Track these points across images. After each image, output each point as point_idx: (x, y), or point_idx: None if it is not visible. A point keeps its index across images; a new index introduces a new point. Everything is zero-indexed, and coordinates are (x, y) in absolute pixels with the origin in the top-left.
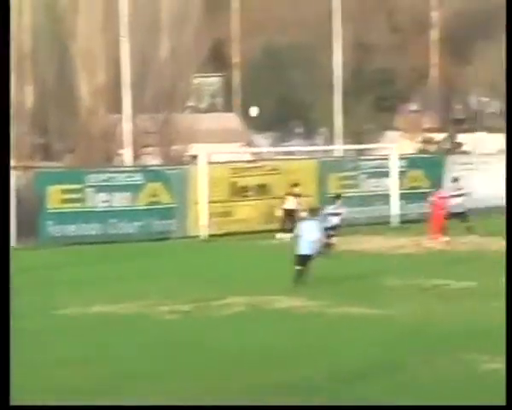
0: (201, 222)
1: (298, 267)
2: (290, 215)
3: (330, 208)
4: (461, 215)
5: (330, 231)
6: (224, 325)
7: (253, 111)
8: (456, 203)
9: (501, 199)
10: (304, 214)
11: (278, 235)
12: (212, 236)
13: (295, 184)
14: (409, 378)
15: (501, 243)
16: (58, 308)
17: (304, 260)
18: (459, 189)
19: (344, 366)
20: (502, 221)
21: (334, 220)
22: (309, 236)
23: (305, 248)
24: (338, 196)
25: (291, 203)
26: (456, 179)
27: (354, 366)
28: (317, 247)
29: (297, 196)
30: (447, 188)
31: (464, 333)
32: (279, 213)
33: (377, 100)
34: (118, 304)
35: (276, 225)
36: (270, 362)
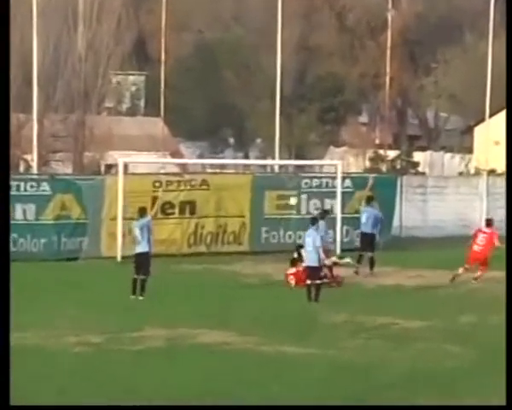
0: (117, 241)
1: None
2: None
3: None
4: None
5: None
6: (139, 360)
7: (293, 200)
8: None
9: (458, 227)
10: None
11: None
12: (128, 257)
13: None
14: None
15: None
16: None
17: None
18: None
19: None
20: (453, 252)
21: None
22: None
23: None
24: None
25: None
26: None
27: None
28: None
29: None
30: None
31: None
32: None
33: (323, 110)
34: (17, 333)
35: (203, 248)
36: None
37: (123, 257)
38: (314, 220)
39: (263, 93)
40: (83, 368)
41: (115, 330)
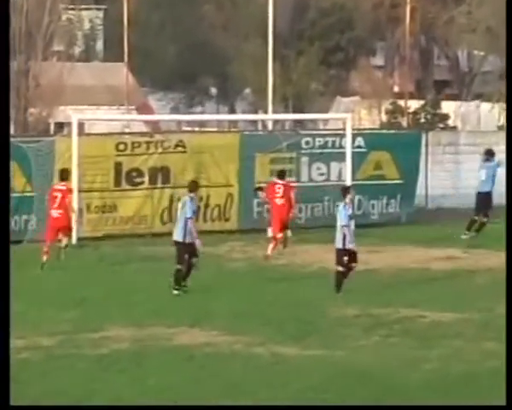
0: (72, 219)
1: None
2: None
3: None
4: None
5: None
6: (100, 368)
7: None
8: None
9: (499, 195)
10: None
11: None
12: (86, 239)
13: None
14: None
15: None
16: None
17: None
18: None
19: None
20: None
21: None
22: None
23: None
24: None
25: None
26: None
27: None
28: None
29: None
30: None
31: None
32: None
33: (327, 51)
34: None
35: None
36: None
37: (79, 239)
38: (345, 191)
39: (252, 31)
40: (29, 379)
41: (70, 330)
